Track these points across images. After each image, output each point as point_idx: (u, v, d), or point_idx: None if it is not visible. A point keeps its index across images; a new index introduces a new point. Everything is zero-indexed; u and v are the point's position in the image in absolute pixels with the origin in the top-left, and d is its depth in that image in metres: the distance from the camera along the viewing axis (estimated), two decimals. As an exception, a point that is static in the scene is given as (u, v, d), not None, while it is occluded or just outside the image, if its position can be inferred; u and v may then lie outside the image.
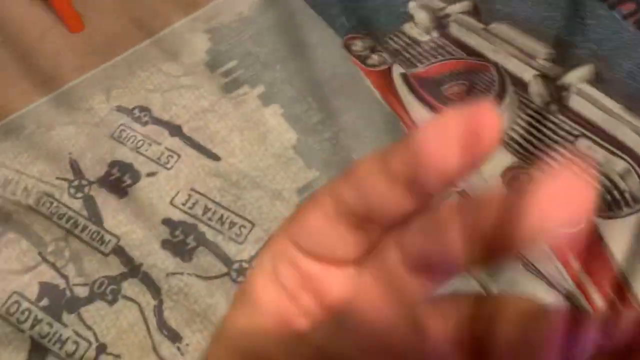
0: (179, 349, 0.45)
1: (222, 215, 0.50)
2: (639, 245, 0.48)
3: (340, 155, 0.53)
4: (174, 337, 0.46)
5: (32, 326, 0.47)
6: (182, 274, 0.48)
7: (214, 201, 0.51)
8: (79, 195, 0.52)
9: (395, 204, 0.13)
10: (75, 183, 0.52)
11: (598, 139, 0.52)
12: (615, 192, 0.50)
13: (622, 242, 0.48)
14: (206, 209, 0.51)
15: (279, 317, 0.16)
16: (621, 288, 0.46)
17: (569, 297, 0.46)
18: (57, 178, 0.53)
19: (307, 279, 0.15)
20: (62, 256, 0.49)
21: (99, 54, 0.59)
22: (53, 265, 0.49)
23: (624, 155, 0.51)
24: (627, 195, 0.49)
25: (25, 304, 0.48)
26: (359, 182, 0.14)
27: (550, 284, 0.46)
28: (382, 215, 0.14)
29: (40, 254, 0.50)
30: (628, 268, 0.47)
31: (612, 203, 0.49)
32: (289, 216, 0.16)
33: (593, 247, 0.47)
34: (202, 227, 0.50)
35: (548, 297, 0.46)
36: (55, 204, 0.52)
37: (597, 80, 0.55)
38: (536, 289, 0.46)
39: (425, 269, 0.13)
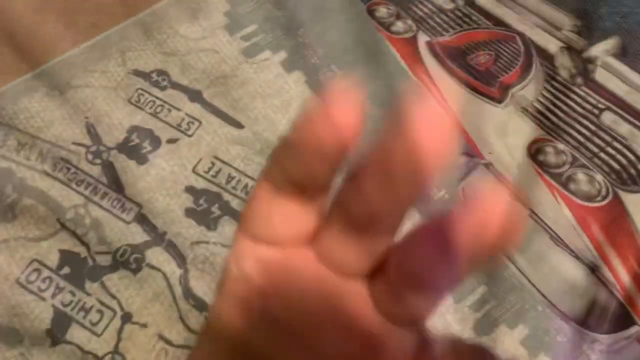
0: (206, 318, 0.45)
1: (246, 184, 0.49)
2: (660, 219, 0.49)
3: (366, 126, 0.52)
4: (201, 306, 0.45)
5: (54, 295, 0.46)
6: (207, 242, 0.47)
7: (237, 170, 0.50)
8: (98, 161, 0.50)
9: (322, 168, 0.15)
10: (93, 149, 0.51)
11: (623, 113, 0.52)
12: (640, 167, 0.50)
13: (646, 215, 0.48)
14: (230, 178, 0.50)
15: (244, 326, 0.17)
16: (645, 261, 0.47)
17: (593, 269, 0.46)
18: (74, 143, 0.51)
19: (273, 270, 0.16)
20: (82, 224, 0.48)
21: (112, 15, 0.57)
22: (73, 233, 0.48)
23: (648, 130, 0.51)
24: (651, 169, 0.50)
25: (45, 272, 0.47)
26: (286, 154, 0.16)
27: (576, 256, 0.47)
28: (317, 177, 0.16)
29: (58, 220, 0.48)
30: (651, 241, 0.47)
31: (636, 177, 0.50)
32: (243, 209, 0.17)
33: (618, 220, 0.48)
34: (227, 196, 0.49)
35: (574, 269, 0.47)
36: (72, 170, 0.50)
37: (622, 54, 0.54)
38: (562, 261, 0.47)
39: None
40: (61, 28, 0.56)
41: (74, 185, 0.49)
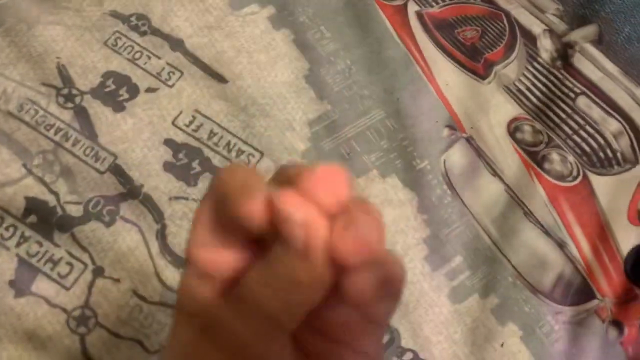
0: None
1: (229, 142, 0.48)
2: (622, 202, 0.51)
3: (352, 90, 0.51)
4: (178, 262, 0.44)
5: (19, 244, 0.43)
6: (186, 198, 0.46)
7: (220, 125, 0.48)
8: (69, 105, 0.47)
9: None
10: (65, 91, 0.47)
11: (596, 98, 0.54)
12: (608, 151, 0.52)
13: (610, 197, 0.51)
14: (212, 134, 0.48)
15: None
16: (607, 239, 0.49)
17: (561, 245, 0.48)
18: (43, 84, 0.47)
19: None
20: (51, 170, 0.45)
21: (86, -52, 0.52)
22: (41, 180, 0.45)
23: (618, 117, 0.53)
24: (618, 155, 0.52)
25: (9, 220, 0.43)
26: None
27: (546, 232, 0.49)
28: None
29: (25, 165, 0.45)
30: (613, 221, 0.50)
31: (604, 160, 0.52)
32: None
33: (586, 200, 0.50)
34: (208, 152, 0.47)
35: (543, 244, 0.49)
36: (41, 112, 0.46)
37: (598, 42, 0.56)
38: (533, 236, 0.49)
39: None
40: (30, -43, 0.51)
41: (42, 130, 0.46)
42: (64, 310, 0.42)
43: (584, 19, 0.57)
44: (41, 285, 0.42)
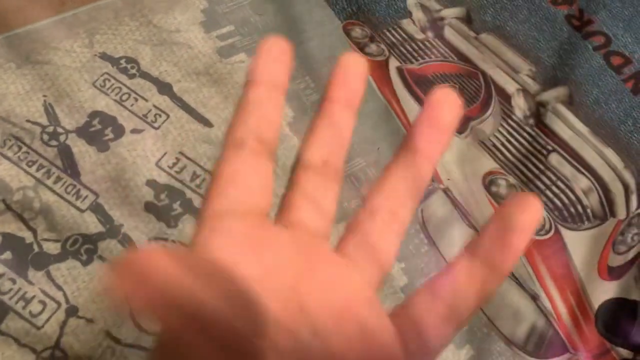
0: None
1: (211, 184, 0.48)
2: (592, 257, 0.53)
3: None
4: (154, 305, 0.44)
5: (-9, 280, 0.42)
6: (166, 239, 0.46)
7: (203, 168, 0.49)
8: (53, 143, 0.47)
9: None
10: (50, 129, 0.48)
11: (567, 156, 0.56)
12: (579, 207, 0.54)
13: (581, 252, 0.52)
14: (195, 176, 0.48)
15: None
16: (579, 293, 0.51)
17: (535, 298, 0.49)
18: (28, 121, 0.48)
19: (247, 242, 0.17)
20: (30, 207, 0.45)
21: (81, -7, 0.54)
22: (19, 216, 0.44)
23: (587, 174, 0.56)
24: (588, 210, 0.54)
25: (-17, 256, 0.43)
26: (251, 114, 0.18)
27: (519, 284, 0.50)
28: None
29: (4, 201, 0.45)
30: (584, 276, 0.52)
31: (575, 216, 0.54)
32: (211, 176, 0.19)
33: (558, 253, 0.52)
34: (190, 194, 0.48)
35: (517, 296, 0.49)
36: (24, 149, 0.47)
37: (569, 102, 0.59)
38: (507, 288, 0.50)
39: None
40: (24, 1, 0.52)
41: (24, 166, 0.46)
42: (33, 350, 0.41)
43: (556, 81, 0.60)
44: (11, 325, 0.41)
